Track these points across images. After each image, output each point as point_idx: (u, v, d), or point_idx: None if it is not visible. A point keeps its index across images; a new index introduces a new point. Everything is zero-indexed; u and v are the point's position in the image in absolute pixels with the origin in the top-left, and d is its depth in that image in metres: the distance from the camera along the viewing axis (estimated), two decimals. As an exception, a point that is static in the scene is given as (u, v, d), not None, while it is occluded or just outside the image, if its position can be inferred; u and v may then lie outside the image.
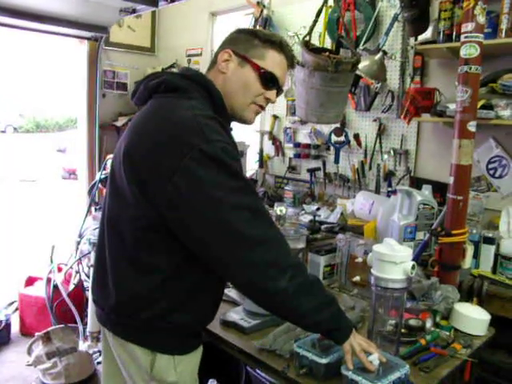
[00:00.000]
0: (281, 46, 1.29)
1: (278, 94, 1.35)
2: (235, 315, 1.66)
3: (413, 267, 1.34)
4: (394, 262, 1.33)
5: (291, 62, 1.34)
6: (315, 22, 2.27)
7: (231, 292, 1.88)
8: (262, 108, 1.34)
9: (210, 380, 2.25)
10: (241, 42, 1.29)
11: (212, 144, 1.10)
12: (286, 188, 3.37)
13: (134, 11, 3.35)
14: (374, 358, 1.21)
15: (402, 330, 1.56)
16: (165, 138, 1.14)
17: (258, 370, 2.20)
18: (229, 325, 1.63)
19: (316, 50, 2.21)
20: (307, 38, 2.27)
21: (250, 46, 1.28)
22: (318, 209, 3.03)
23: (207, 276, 1.25)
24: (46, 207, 7.60)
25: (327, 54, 2.13)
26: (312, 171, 3.33)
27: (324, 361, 1.27)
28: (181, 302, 1.25)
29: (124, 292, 1.26)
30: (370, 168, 3.05)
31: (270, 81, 1.29)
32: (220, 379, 2.29)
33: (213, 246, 1.13)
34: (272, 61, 1.28)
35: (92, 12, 3.33)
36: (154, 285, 1.22)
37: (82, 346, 2.67)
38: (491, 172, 2.58)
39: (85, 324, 2.77)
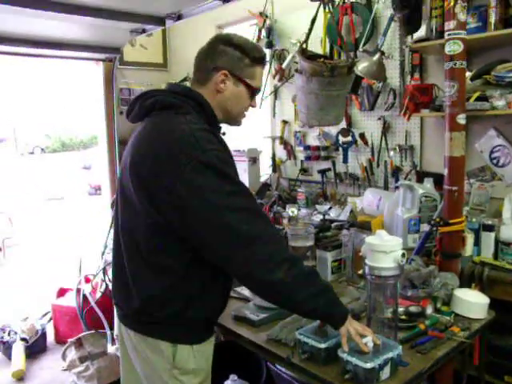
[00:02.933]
0: (263, 61, 1.48)
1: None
2: (246, 310, 1.78)
3: (402, 255, 1.43)
4: (385, 251, 1.43)
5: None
6: (310, 29, 2.37)
7: (243, 290, 2.00)
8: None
9: (231, 375, 2.37)
10: (233, 60, 1.41)
11: (207, 153, 1.25)
12: (299, 190, 3.47)
13: (143, 31, 3.52)
14: (369, 340, 1.32)
15: (403, 317, 1.64)
16: (167, 152, 1.28)
17: (277, 366, 2.32)
18: (240, 319, 1.75)
19: (312, 57, 2.32)
20: (304, 46, 2.39)
21: (243, 66, 1.43)
22: (330, 208, 3.12)
23: (215, 274, 1.38)
24: (73, 223, 7.90)
25: (322, 59, 2.24)
26: (323, 172, 3.42)
27: (323, 345, 1.38)
28: (193, 300, 1.39)
29: (145, 293, 1.40)
30: (378, 165, 3.13)
31: (257, 93, 1.49)
32: (241, 374, 2.40)
33: (216, 246, 1.27)
34: (259, 77, 1.48)
35: (105, 35, 3.51)
36: (168, 285, 1.36)
37: (111, 348, 2.83)
38: (494, 161, 2.63)
39: (112, 328, 2.94)
